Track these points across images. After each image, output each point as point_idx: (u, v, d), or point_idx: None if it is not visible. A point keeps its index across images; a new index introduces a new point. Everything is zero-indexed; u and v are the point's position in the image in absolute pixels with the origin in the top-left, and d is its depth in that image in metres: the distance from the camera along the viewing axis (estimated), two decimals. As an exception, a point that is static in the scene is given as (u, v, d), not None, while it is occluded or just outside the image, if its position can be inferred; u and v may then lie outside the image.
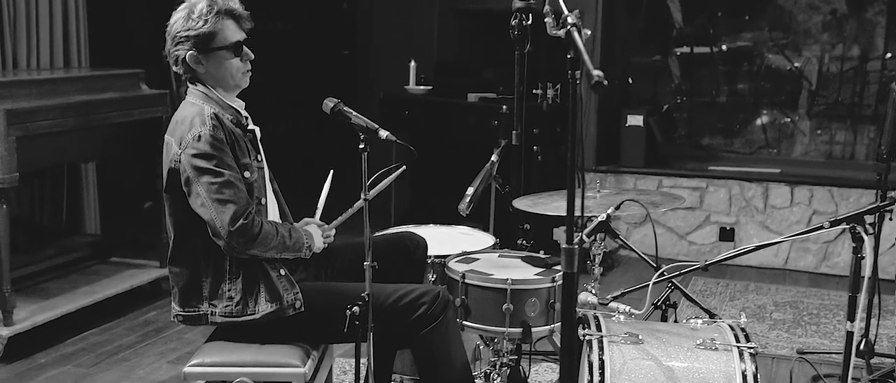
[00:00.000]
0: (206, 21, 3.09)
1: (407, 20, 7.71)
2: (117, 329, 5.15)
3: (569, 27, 2.32)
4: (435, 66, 7.32)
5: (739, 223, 6.85)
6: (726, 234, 6.85)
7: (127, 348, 4.86)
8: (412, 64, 7.04)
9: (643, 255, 3.75)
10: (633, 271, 6.49)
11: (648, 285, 3.42)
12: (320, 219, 3.46)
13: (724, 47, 7.55)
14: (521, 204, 3.81)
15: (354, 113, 3.17)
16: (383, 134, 3.14)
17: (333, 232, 3.43)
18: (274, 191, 3.43)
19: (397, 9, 7.78)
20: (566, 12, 2.40)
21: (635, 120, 6.98)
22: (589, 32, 2.38)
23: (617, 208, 3.57)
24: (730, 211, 6.88)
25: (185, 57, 3.12)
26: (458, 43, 7.64)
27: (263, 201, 3.22)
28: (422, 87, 7.02)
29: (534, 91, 6.43)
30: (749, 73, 7.50)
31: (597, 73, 2.17)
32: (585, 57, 2.24)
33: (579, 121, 2.43)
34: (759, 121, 7.48)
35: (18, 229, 5.50)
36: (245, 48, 3.19)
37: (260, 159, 3.24)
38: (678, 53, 7.66)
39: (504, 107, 6.25)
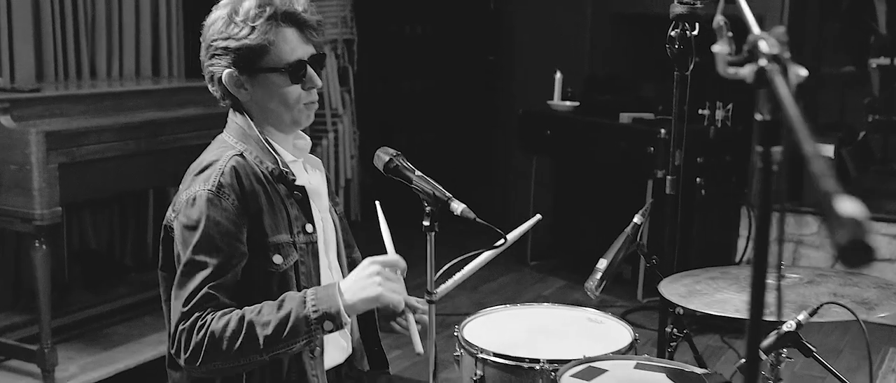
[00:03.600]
0: (253, 28, 2.12)
1: (555, 25, 6.67)
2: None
3: (764, 66, 1.20)
4: (584, 79, 6.22)
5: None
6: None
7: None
8: (558, 76, 5.99)
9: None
10: None
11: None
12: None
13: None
14: (674, 288, 2.62)
15: (418, 172, 2.17)
16: (458, 208, 2.11)
17: (402, 268, 2.17)
18: (345, 264, 2.45)
19: (545, 11, 6.73)
20: (758, 34, 1.26)
21: (824, 150, 5.67)
22: (804, 73, 1.23)
23: (812, 313, 2.34)
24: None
25: (221, 75, 2.17)
26: (613, 53, 6.54)
27: None
28: (567, 103, 6.00)
29: (699, 111, 5.37)
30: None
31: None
32: (796, 122, 1.11)
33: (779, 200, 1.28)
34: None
35: (89, 263, 4.68)
36: (310, 70, 2.20)
37: (311, 230, 2.24)
38: (874, 65, 6.25)
39: (662, 131, 5.20)
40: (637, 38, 6.47)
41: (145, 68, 4.99)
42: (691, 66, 3.06)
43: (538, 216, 2.56)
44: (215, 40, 2.15)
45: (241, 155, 2.15)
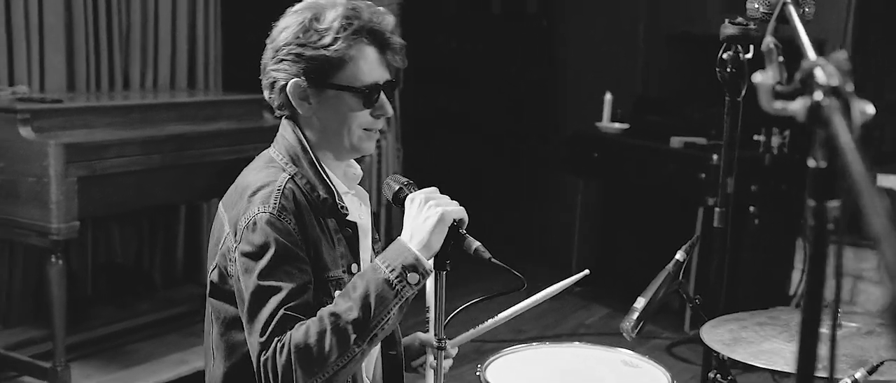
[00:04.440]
0: (336, 39, 1.91)
1: (607, 45, 6.42)
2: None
3: (819, 100, 0.98)
4: (634, 100, 5.97)
5: None
6: None
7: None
8: (607, 97, 5.74)
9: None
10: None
11: None
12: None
13: None
14: (717, 334, 2.38)
15: None
16: (472, 245, 1.88)
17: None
18: None
19: (597, 30, 6.50)
20: (814, 60, 1.03)
21: (888, 181, 5.37)
22: (870, 110, 0.99)
23: (871, 371, 2.07)
24: None
25: (287, 84, 1.95)
26: (665, 74, 6.27)
27: None
28: (616, 125, 5.76)
29: (754, 137, 5.14)
30: None
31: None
32: (857, 173, 0.88)
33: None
34: None
35: (116, 277, 4.54)
36: (383, 96, 1.99)
37: (355, 271, 2.01)
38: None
39: (714, 156, 4.94)
40: (690, 59, 6.18)
41: (181, 80, 4.85)
42: (744, 92, 2.81)
43: (586, 271, 2.32)
44: (288, 44, 1.94)
45: (292, 178, 1.95)
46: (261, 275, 1.83)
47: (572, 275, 2.26)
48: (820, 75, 1.01)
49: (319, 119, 1.98)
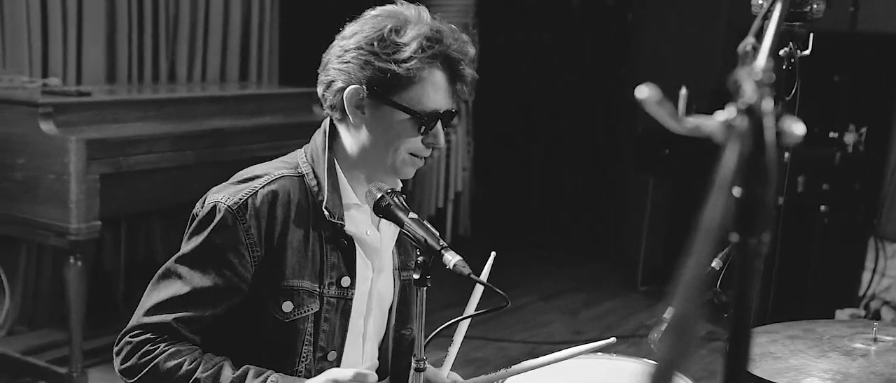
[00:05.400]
0: (411, 57, 1.81)
1: (686, 39, 6.10)
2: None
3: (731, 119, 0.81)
4: (711, 95, 5.65)
5: None
6: None
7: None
8: (683, 91, 5.27)
9: None
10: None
11: None
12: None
13: None
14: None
15: (412, 213, 1.79)
16: (451, 260, 1.69)
17: None
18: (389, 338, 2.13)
19: (679, 25, 6.18)
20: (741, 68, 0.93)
21: None
22: (798, 132, 0.88)
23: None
24: None
25: (346, 87, 1.86)
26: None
27: (330, 357, 1.96)
28: None
29: (829, 135, 4.89)
30: None
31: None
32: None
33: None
34: None
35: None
36: (439, 126, 1.89)
37: (347, 284, 1.94)
38: None
39: (785, 154, 4.51)
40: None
41: (232, 73, 4.71)
42: (794, 91, 2.55)
43: (613, 339, 2.08)
44: (359, 48, 1.84)
45: (301, 177, 1.90)
46: (180, 258, 1.84)
47: (602, 340, 2.03)
48: (746, 89, 0.81)
49: (369, 132, 1.89)
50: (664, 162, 5.42)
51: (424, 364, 1.79)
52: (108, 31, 4.22)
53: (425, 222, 1.77)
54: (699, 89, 5.54)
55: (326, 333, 1.92)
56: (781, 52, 2.55)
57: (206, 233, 1.82)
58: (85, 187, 3.33)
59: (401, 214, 1.78)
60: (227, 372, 1.79)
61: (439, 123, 1.87)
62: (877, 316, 4.93)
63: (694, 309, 0.73)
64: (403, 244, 2.07)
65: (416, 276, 1.72)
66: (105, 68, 4.22)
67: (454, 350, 2.07)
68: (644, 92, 0.87)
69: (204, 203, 1.89)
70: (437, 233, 1.76)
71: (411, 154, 1.89)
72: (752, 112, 0.80)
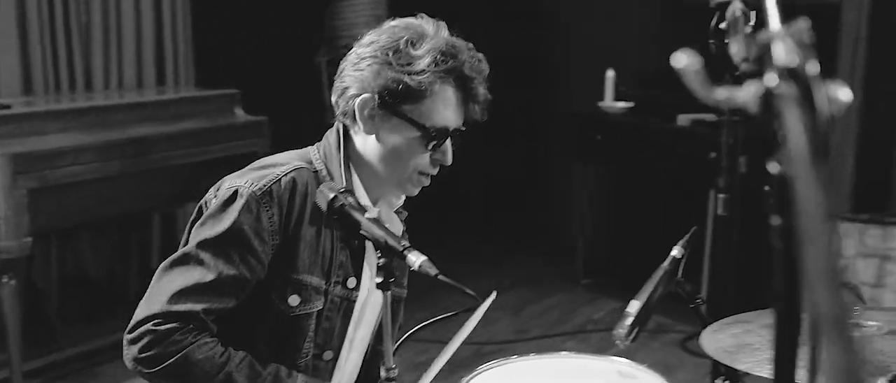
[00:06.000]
0: (425, 70, 1.85)
1: (606, 17, 6.14)
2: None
3: (773, 87, 0.72)
4: (638, 76, 5.69)
5: None
6: None
7: None
8: (609, 74, 5.46)
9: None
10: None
11: None
12: None
13: None
14: (719, 340, 2.14)
15: (369, 213, 1.75)
16: (415, 261, 1.66)
17: None
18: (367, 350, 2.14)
19: (594, 2, 6.20)
20: (774, 32, 0.79)
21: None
22: (846, 97, 0.74)
23: (894, 381, 1.81)
24: None
25: (359, 95, 1.88)
26: (669, 45, 5.87)
27: (326, 357, 1.98)
28: (620, 104, 5.47)
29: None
30: None
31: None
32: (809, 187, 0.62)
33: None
34: None
35: (87, 293, 4.34)
36: (448, 143, 1.92)
37: (353, 286, 1.96)
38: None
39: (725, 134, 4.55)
40: (698, 29, 5.89)
41: (149, 78, 4.64)
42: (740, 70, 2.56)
43: (494, 294, 2.04)
44: (374, 56, 1.86)
45: (315, 172, 1.92)
46: (204, 243, 1.80)
47: (485, 300, 1.99)
48: (778, 52, 0.77)
49: (379, 142, 1.91)
50: (597, 147, 5.42)
51: (395, 372, 1.75)
52: (20, 41, 4.12)
53: (385, 223, 1.75)
54: (626, 69, 5.60)
55: (326, 331, 1.93)
56: (722, 25, 2.58)
57: (230, 219, 1.80)
58: (13, 203, 3.27)
59: (356, 215, 1.75)
60: (259, 369, 1.83)
61: (448, 140, 1.89)
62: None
63: (841, 306, 0.66)
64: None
65: (378, 280, 1.69)
66: (21, 78, 4.13)
67: (436, 368, 2.04)
68: (682, 60, 0.83)
69: (219, 189, 1.88)
70: (399, 233, 1.77)
71: (419, 172, 1.91)
72: (796, 76, 0.75)
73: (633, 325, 2.27)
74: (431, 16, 1.96)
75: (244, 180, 1.83)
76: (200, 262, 1.80)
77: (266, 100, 4.59)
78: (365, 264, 1.96)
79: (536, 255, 6.02)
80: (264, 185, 1.82)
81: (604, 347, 4.46)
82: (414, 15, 1.93)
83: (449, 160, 1.92)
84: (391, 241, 1.66)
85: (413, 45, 1.85)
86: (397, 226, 2.05)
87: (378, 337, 2.11)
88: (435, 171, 1.94)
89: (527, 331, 4.75)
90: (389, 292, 1.69)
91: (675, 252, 2.41)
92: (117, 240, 4.59)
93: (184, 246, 1.87)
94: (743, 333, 2.15)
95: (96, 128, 3.70)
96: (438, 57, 1.84)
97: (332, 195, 1.75)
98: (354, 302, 1.97)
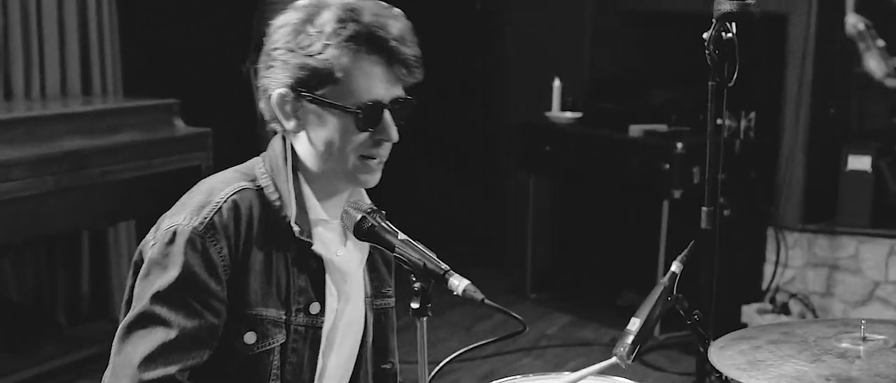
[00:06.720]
0: (325, 45, 1.68)
1: (551, 26, 6.12)
2: None
3: None
4: (586, 85, 5.67)
5: None
6: None
7: None
8: (556, 83, 5.50)
9: None
10: None
11: None
12: None
13: None
14: (729, 357, 2.07)
15: (402, 235, 1.68)
16: (459, 285, 1.60)
17: None
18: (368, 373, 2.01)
19: (539, 10, 6.19)
20: None
21: (860, 162, 5.29)
22: None
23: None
24: None
25: (273, 95, 1.74)
26: (617, 56, 6.02)
27: None
28: (568, 114, 5.49)
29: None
30: None
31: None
32: None
33: None
34: None
35: (11, 319, 4.20)
36: (387, 117, 1.75)
37: (317, 311, 1.80)
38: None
39: (678, 144, 4.80)
40: (649, 37, 6.01)
41: (73, 86, 4.45)
42: (735, 76, 2.49)
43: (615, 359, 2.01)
44: (277, 49, 1.72)
45: (260, 190, 1.77)
46: (156, 297, 1.66)
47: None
48: None
49: (309, 139, 1.77)
50: (546, 158, 5.41)
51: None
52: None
53: (417, 243, 1.66)
54: (572, 79, 5.58)
55: (294, 365, 1.78)
56: (720, 35, 2.49)
57: (177, 264, 1.66)
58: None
59: (389, 237, 1.67)
60: None
61: (385, 114, 1.73)
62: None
63: None
64: (376, 267, 1.95)
65: (415, 306, 1.61)
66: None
67: None
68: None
69: (158, 230, 1.73)
70: (435, 255, 1.65)
71: (362, 156, 1.75)
72: None
73: (634, 343, 2.23)
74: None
75: (182, 217, 1.70)
76: (160, 320, 1.66)
77: (200, 110, 4.44)
78: (327, 286, 1.82)
79: (482, 267, 5.91)
80: (205, 218, 1.69)
81: (559, 363, 4.50)
82: None
83: (393, 135, 1.75)
84: (430, 265, 1.59)
85: (311, 21, 1.70)
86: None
87: (377, 355, 2.00)
88: (382, 152, 1.78)
89: (483, 349, 4.62)
90: (425, 318, 1.61)
91: (675, 267, 2.37)
92: (43, 261, 4.38)
93: (133, 301, 1.71)
94: (752, 349, 2.12)
95: (25, 141, 3.53)
96: (336, 26, 1.68)
97: (359, 216, 1.67)
98: (321, 328, 1.82)
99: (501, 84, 6.48)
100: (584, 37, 5.97)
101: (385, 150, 1.78)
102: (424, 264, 1.60)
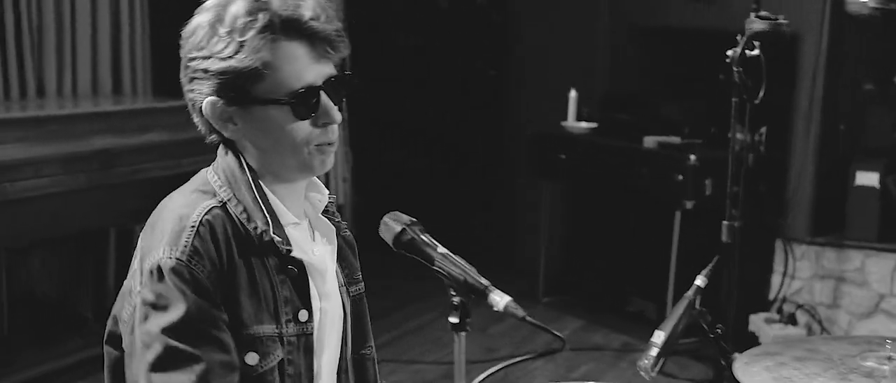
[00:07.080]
0: (241, 44, 1.59)
1: (568, 38, 6.17)
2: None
3: None
4: (602, 97, 5.75)
5: None
6: None
7: None
8: (572, 94, 5.56)
9: None
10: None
11: None
12: None
13: None
14: (757, 375, 2.11)
15: (441, 248, 1.67)
16: (500, 302, 1.60)
17: None
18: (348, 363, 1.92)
19: (556, 24, 6.23)
20: None
21: (868, 178, 5.28)
22: None
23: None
24: None
25: (203, 106, 1.65)
26: (635, 69, 6.07)
27: None
28: (584, 125, 5.55)
29: (728, 135, 4.94)
30: None
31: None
32: None
33: None
34: None
35: (39, 313, 4.27)
36: (324, 99, 1.65)
37: (305, 319, 1.72)
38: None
39: (692, 156, 4.84)
40: (662, 53, 6.04)
41: (104, 85, 4.53)
42: (762, 94, 2.56)
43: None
44: (193, 59, 1.63)
45: (223, 206, 1.66)
46: (171, 332, 1.56)
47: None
48: None
49: (251, 141, 1.69)
50: (560, 166, 5.47)
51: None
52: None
53: (457, 257, 1.65)
54: (589, 89, 5.65)
55: (292, 377, 1.71)
56: (748, 54, 2.55)
57: (178, 302, 1.58)
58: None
59: (429, 250, 1.65)
60: None
61: (322, 96, 1.64)
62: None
63: None
64: (343, 254, 1.88)
65: (454, 321, 1.60)
66: (-32, 86, 3.96)
67: None
68: None
69: (142, 260, 1.64)
70: (474, 269, 1.65)
71: (314, 145, 1.67)
72: None
73: (658, 356, 2.26)
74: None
75: (161, 251, 1.60)
76: (186, 356, 1.57)
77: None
78: (311, 289, 1.75)
79: (496, 272, 5.94)
80: (185, 246, 1.59)
81: (570, 367, 4.51)
82: None
83: (335, 117, 1.66)
84: (471, 279, 1.58)
85: (220, 22, 1.61)
86: (330, 229, 1.84)
87: (356, 341, 1.92)
88: (331, 136, 1.68)
89: (496, 350, 4.74)
90: (463, 334, 1.62)
91: (700, 281, 2.39)
92: (72, 258, 4.44)
93: (137, 347, 1.62)
94: (777, 366, 2.15)
95: (58, 139, 3.59)
96: (246, 21, 1.59)
97: (399, 228, 1.64)
98: (312, 334, 1.75)
99: (517, 94, 6.52)
100: (598, 50, 6.02)
101: (333, 134, 1.69)
102: (465, 279, 1.58)
